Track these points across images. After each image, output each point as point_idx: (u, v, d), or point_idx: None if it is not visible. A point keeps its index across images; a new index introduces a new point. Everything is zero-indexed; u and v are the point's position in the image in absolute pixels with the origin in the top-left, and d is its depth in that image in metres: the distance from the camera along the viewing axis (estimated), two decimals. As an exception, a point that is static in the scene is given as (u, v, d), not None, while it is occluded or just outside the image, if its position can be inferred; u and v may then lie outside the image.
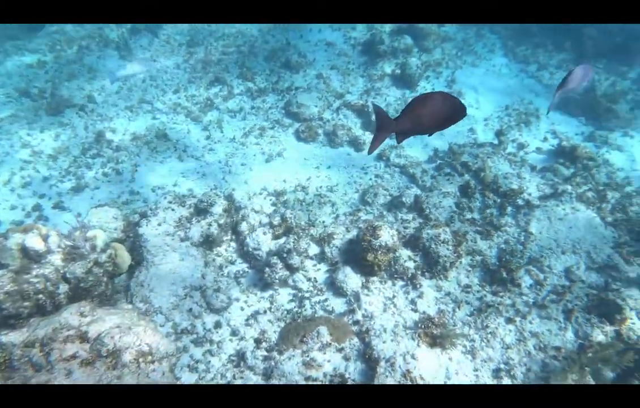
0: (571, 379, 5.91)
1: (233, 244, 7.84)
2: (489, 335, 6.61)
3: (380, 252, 7.08)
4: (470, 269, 7.44)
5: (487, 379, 6.22)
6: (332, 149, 9.95)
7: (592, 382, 5.96)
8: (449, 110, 3.73)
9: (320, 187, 9.08)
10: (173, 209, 7.80)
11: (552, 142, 10.37)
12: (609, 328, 6.53)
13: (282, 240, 7.46)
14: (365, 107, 10.48)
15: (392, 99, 11.16)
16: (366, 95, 11.22)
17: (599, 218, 8.03)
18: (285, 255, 7.11)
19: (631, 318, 6.64)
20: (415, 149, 9.92)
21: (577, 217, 7.98)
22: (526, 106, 11.57)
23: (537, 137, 10.56)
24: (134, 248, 7.32)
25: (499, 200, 8.47)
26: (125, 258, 7.06)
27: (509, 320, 6.75)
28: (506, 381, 6.19)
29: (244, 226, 7.74)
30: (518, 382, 6.16)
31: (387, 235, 7.09)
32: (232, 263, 7.58)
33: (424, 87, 11.67)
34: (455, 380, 6.12)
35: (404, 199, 8.22)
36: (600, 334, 6.47)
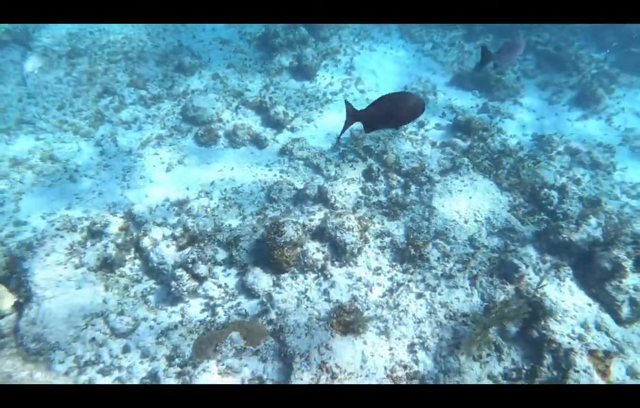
0: (477, 341, 6.03)
1: (137, 261, 7.23)
2: (402, 313, 6.58)
3: (286, 248, 6.83)
4: (379, 251, 7.38)
5: (402, 355, 6.17)
6: (234, 149, 9.49)
7: (495, 339, 6.15)
8: (411, 106, 4.14)
9: (225, 190, 8.60)
10: (62, 237, 7.00)
11: (450, 117, 10.72)
12: (509, 287, 6.78)
13: (186, 251, 6.97)
14: (263, 103, 10.13)
15: (292, 92, 10.92)
16: (265, 90, 10.88)
17: (495, 185, 8.38)
18: (190, 265, 6.67)
19: (528, 274, 6.97)
20: (318, 140, 9.76)
21: (476, 186, 8.26)
22: (424, 84, 11.90)
23: (436, 114, 10.87)
24: (21, 284, 6.50)
25: (402, 180, 8.55)
26: (4, 297, 6.26)
27: (419, 295, 6.77)
28: (420, 354, 6.18)
29: (146, 242, 7.15)
30: (431, 352, 6.18)
31: (291, 231, 6.84)
32: (139, 281, 7.00)
33: (323, 76, 11.57)
34: (371, 362, 6.04)
35: (308, 191, 8.00)
36: (502, 294, 6.70)
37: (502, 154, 9.19)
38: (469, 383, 5.93)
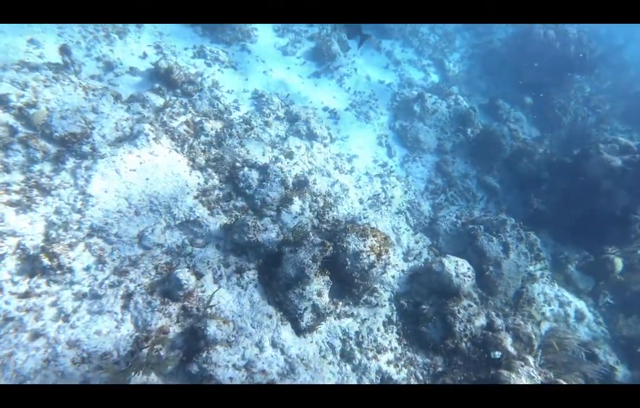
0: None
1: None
2: None
3: None
4: (-14, 268, 4.89)
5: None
6: None
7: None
8: None
9: None
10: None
11: (154, 58, 8.41)
12: (172, 308, 5.38)
13: None
14: None
15: None
16: None
17: (186, 161, 6.73)
18: None
19: (201, 286, 5.73)
20: None
21: (157, 164, 6.42)
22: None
23: (136, 53, 8.38)
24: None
25: (54, 150, 6.01)
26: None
27: (36, 335, 4.70)
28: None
29: None
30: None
31: None
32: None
33: None
34: None
35: None
36: (162, 318, 5.27)
37: (208, 117, 7.57)
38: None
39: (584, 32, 15.20)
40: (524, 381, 5.64)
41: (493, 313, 7.13)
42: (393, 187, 9.64)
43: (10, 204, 5.38)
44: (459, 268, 7.23)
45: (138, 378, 4.71)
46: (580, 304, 8.74)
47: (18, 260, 5.13)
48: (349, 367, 6.10)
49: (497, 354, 6.23)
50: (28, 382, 4.44)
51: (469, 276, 7.24)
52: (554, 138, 12.61)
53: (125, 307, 5.18)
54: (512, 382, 5.60)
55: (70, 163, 5.99)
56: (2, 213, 5.26)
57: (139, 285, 5.36)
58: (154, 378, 4.82)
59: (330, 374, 5.87)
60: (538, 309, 7.96)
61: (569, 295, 8.79)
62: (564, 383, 5.24)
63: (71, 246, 5.40)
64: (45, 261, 5.14)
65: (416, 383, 6.26)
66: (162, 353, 5.00)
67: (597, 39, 17.01)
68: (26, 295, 4.95)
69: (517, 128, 12.52)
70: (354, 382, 6.00)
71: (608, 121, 15.23)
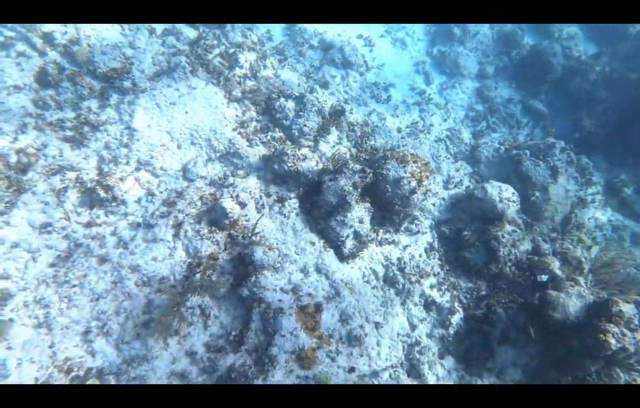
0: (173, 314, 4.81)
1: None
2: (74, 289, 4.81)
3: None
4: (45, 202, 5.19)
5: (70, 349, 4.59)
6: None
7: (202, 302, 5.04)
8: None
9: None
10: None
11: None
12: (219, 236, 5.58)
13: None
14: None
15: None
16: None
17: (222, 93, 6.71)
18: None
19: (245, 215, 5.88)
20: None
21: (195, 96, 6.44)
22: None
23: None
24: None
25: (98, 86, 6.12)
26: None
27: (102, 260, 5.04)
28: (99, 341, 4.69)
29: None
30: (114, 336, 4.75)
31: None
32: None
33: None
34: (14, 366, 4.33)
35: None
36: (211, 245, 5.48)
37: (242, 48, 7.44)
38: (160, 368, 4.78)
39: None
40: (575, 300, 5.56)
41: (539, 238, 6.97)
42: (432, 115, 9.31)
43: (66, 140, 5.61)
44: (502, 193, 7.02)
45: (194, 300, 5.00)
46: (638, 227, 8.36)
47: (78, 193, 5.42)
48: (392, 291, 6.21)
49: (544, 277, 6.15)
50: (102, 300, 4.83)
51: (514, 201, 7.04)
52: (614, 54, 11.53)
53: (176, 235, 5.42)
54: (561, 301, 5.53)
55: (114, 98, 6.10)
56: (60, 149, 5.51)
57: (187, 215, 5.56)
58: (207, 301, 5.11)
59: (374, 298, 6.01)
60: (588, 234, 7.70)
61: (623, 218, 8.42)
62: (619, 301, 5.11)
63: (122, 179, 5.63)
64: (102, 193, 5.41)
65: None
66: (213, 277, 5.26)
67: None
68: (89, 224, 5.26)
69: (570, 46, 11.55)
70: (398, 305, 6.12)
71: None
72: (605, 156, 9.45)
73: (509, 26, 11.52)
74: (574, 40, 11.91)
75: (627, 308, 5.17)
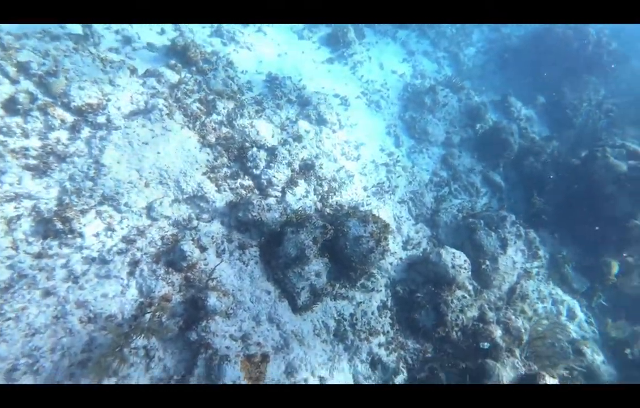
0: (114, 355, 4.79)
1: None
2: (7, 323, 4.71)
3: None
4: (11, 226, 5.19)
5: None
6: None
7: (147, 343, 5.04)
8: None
9: None
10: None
11: (171, 35, 8.61)
12: (175, 277, 5.67)
13: None
14: None
15: None
16: None
17: (196, 138, 6.95)
18: None
19: (204, 259, 6.01)
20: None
21: (169, 138, 6.66)
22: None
23: (154, 28, 8.58)
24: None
25: (71, 119, 6.26)
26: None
27: (47, 293, 5.02)
28: (25, 380, 4.52)
29: None
30: (43, 375, 4.65)
31: None
32: None
33: None
34: None
35: None
36: (165, 286, 5.55)
37: (221, 96, 7.77)
38: None
39: (603, 33, 14.99)
40: (508, 371, 5.87)
41: (486, 305, 7.33)
42: (398, 176, 9.78)
43: (28, 168, 5.67)
44: (455, 260, 7.41)
45: (139, 341, 5.01)
46: (573, 303, 8.89)
47: (32, 222, 5.42)
48: (341, 346, 6.36)
49: (486, 345, 6.45)
50: (38, 336, 4.77)
51: (465, 268, 7.43)
52: (563, 139, 12.59)
53: (131, 274, 5.47)
54: (497, 371, 5.83)
55: (85, 132, 6.25)
56: (19, 176, 5.55)
57: (145, 254, 5.64)
58: (154, 342, 5.12)
59: (322, 352, 6.14)
60: (531, 305, 8.14)
61: (562, 293, 8.94)
62: (546, 375, 5.45)
63: (83, 212, 5.69)
64: (58, 224, 5.44)
65: (406, 384, 6.52)
66: (163, 319, 5.30)
67: (619, 39, 16.70)
68: (39, 255, 5.25)
69: (527, 127, 12.52)
70: (345, 361, 6.27)
71: (620, 125, 15.07)
72: (552, 233, 10.11)
73: (475, 101, 12.40)
74: (530, 121, 12.93)
75: (552, 382, 5.49)
